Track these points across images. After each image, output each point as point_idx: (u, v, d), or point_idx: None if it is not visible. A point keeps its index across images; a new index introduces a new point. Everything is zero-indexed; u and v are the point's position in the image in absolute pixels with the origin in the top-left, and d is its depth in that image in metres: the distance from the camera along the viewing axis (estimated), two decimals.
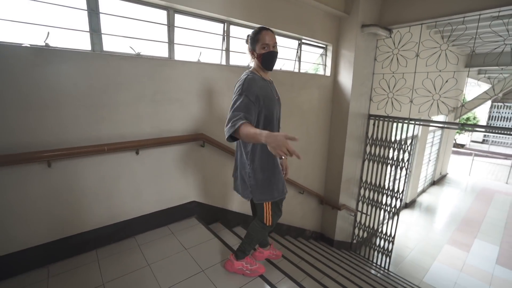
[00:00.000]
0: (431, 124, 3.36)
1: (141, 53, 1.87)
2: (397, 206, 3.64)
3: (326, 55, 3.45)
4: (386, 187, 3.76)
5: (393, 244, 3.76)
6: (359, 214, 4.07)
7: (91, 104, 1.66)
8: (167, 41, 2.02)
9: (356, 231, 4.16)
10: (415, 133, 5.69)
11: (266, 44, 1.37)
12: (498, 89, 5.72)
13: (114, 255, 1.81)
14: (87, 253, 1.80)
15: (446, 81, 2.91)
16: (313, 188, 3.62)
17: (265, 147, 1.23)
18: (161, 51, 2.03)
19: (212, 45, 2.32)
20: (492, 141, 14.60)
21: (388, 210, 3.74)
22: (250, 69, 1.49)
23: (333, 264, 3.00)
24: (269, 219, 1.54)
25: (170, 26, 2.00)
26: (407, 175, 3.66)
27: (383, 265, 3.92)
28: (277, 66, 2.74)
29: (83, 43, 1.68)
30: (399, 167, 3.57)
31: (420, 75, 3.17)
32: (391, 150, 3.59)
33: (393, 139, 3.57)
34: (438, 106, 2.99)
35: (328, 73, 3.46)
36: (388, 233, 3.81)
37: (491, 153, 12.27)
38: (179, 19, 2.05)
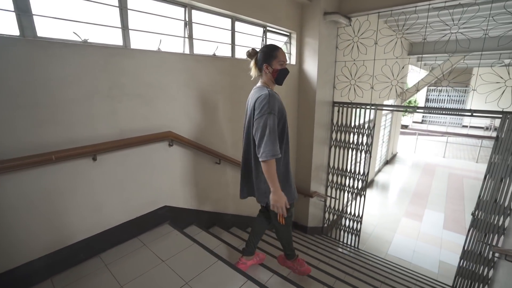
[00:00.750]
0: (394, 108, 3.57)
1: (88, 40, 1.57)
2: (363, 188, 3.84)
3: (290, 43, 3.40)
4: (352, 170, 3.94)
5: (361, 224, 3.99)
6: (328, 199, 4.22)
7: (27, 104, 1.33)
8: (120, 26, 1.73)
9: (327, 215, 4.32)
10: (371, 118, 6.09)
11: (283, 61, 1.48)
12: (436, 74, 6.38)
13: (74, 282, 1.53)
14: (40, 284, 1.50)
15: (403, 67, 3.08)
16: None
17: (284, 159, 1.54)
18: (114, 38, 1.73)
19: (173, 32, 2.08)
20: (430, 121, 16.51)
21: (355, 192, 3.93)
22: (261, 84, 1.54)
23: (311, 251, 3.06)
24: (282, 220, 1.56)
25: (123, 8, 1.71)
26: (370, 158, 3.86)
27: (353, 244, 4.15)
28: (243, 54, 2.60)
29: (9, 26, 1.33)
30: (363, 151, 3.75)
31: (379, 62, 3.31)
32: (355, 135, 3.75)
33: (356, 124, 3.72)
34: (396, 91, 3.16)
35: (293, 61, 3.42)
36: (356, 214, 4.02)
37: (431, 131, 13.85)
38: (134, 1, 1.76)
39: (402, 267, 3.75)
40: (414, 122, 16.72)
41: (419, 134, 10.90)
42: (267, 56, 1.47)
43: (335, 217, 4.24)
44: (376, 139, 6.74)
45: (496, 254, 2.94)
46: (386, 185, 7.19)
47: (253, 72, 1.56)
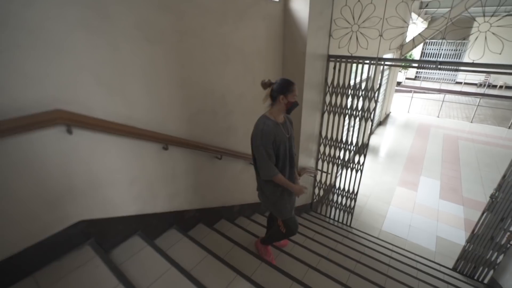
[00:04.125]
0: (409, 64, 2.78)
1: None
2: (361, 162, 3.24)
3: None
4: (349, 141, 3.29)
5: (355, 201, 3.49)
6: (319, 173, 3.64)
7: None
8: None
9: (316, 190, 3.79)
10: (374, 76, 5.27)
11: (296, 95, 1.63)
12: (436, 26, 5.44)
13: None
14: None
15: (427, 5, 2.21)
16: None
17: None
18: None
19: None
20: (424, 77, 15.75)
21: (351, 167, 3.34)
22: (268, 113, 1.67)
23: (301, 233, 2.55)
24: (283, 229, 1.87)
25: None
26: (372, 127, 3.19)
27: (346, 221, 3.71)
28: None
29: None
30: (363, 118, 3.05)
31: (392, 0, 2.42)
32: (355, 98, 3.00)
33: (356, 84, 2.95)
34: (413, 40, 2.34)
35: None
36: (350, 191, 3.49)
37: (427, 89, 13.20)
38: None
39: (398, 248, 3.37)
40: (407, 78, 15.94)
41: (415, 92, 10.23)
42: (285, 89, 1.59)
43: (327, 193, 3.72)
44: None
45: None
46: (379, 149, 6.71)
47: (264, 100, 1.67)
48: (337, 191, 3.64)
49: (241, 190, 2.75)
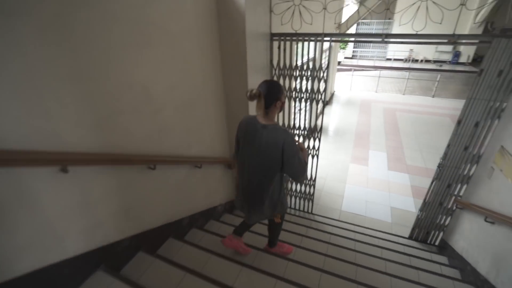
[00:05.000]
0: (357, 39, 2.61)
1: None
2: (316, 147, 3.08)
3: None
4: (302, 127, 3.09)
5: (314, 187, 3.37)
6: None
7: None
8: None
9: None
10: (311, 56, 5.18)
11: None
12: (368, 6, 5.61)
13: None
14: None
15: None
16: (214, 154, 2.56)
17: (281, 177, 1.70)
18: None
19: None
20: (359, 55, 16.81)
21: (308, 153, 3.17)
22: (271, 121, 1.56)
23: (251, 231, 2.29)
24: (279, 219, 1.90)
25: None
26: (323, 108, 3.04)
27: (306, 209, 3.59)
28: None
29: None
30: (314, 100, 2.86)
31: None
32: (304, 79, 2.78)
33: (303, 65, 2.73)
34: (358, 12, 2.16)
35: None
36: (308, 177, 3.35)
37: (365, 67, 14.07)
38: None
39: (360, 227, 3.38)
40: (345, 57, 16.83)
41: (355, 70, 10.75)
42: (278, 92, 1.52)
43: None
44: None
45: (458, 206, 2.62)
46: (328, 129, 6.85)
47: (260, 111, 1.53)
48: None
49: (189, 199, 2.34)
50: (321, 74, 2.68)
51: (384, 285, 1.99)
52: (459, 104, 8.36)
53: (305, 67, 2.72)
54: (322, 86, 2.73)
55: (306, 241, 2.55)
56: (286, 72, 2.79)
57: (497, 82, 2.11)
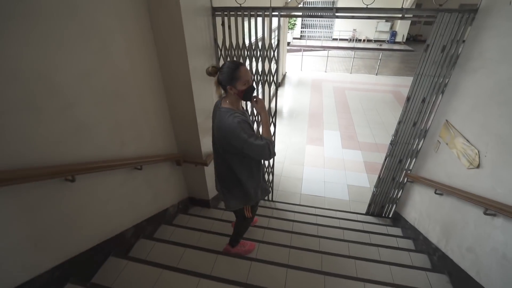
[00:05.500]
0: (310, 13, 2.41)
1: None
2: (272, 132, 2.91)
3: None
4: (256, 112, 2.87)
5: (273, 174, 3.24)
6: None
7: None
8: None
9: None
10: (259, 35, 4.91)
11: (247, 80, 1.42)
12: None
13: None
14: None
15: None
16: (157, 151, 2.21)
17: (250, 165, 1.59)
18: None
19: None
20: (308, 36, 17.04)
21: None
22: (228, 105, 1.48)
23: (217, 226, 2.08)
24: (249, 213, 1.77)
25: None
26: (276, 91, 2.85)
27: (266, 198, 3.47)
28: None
29: None
30: (267, 83, 2.64)
31: None
32: (253, 60, 2.53)
33: (251, 44, 2.46)
34: None
35: None
36: (266, 164, 3.20)
37: (313, 47, 14.27)
38: None
39: (319, 209, 3.39)
40: (294, 38, 16.92)
41: (304, 51, 10.82)
42: (230, 78, 1.41)
43: None
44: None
45: (409, 179, 2.74)
46: (283, 111, 6.80)
47: (217, 91, 1.51)
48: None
49: (131, 207, 1.98)
50: (272, 54, 2.45)
51: (349, 270, 1.96)
52: (399, 80, 9.09)
53: (253, 46, 2.46)
54: (273, 67, 2.51)
55: (269, 234, 2.42)
56: (233, 52, 2.49)
57: (440, 58, 2.14)
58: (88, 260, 1.62)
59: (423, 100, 2.34)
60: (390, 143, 2.69)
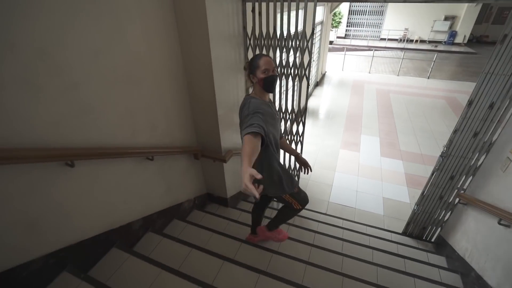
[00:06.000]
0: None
1: None
2: (301, 132, 2.65)
3: None
4: (283, 109, 2.64)
5: (298, 178, 2.97)
6: None
7: None
8: None
9: None
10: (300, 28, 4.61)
11: (266, 69, 1.43)
12: None
13: None
14: None
15: None
16: (172, 142, 2.09)
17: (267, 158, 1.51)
18: None
19: None
20: (353, 35, 16.11)
21: (290, 139, 2.73)
22: (249, 95, 1.54)
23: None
24: (296, 204, 1.71)
25: None
26: (308, 86, 2.57)
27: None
28: None
29: None
30: (298, 77, 2.38)
31: None
32: (283, 52, 2.29)
33: (283, 33, 2.22)
34: None
35: None
36: (292, 167, 2.95)
37: (358, 46, 13.45)
38: None
39: (347, 221, 3.03)
40: (338, 37, 16.12)
41: (347, 50, 10.17)
42: (251, 66, 1.49)
43: None
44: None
45: (462, 201, 2.27)
46: (319, 112, 6.41)
47: (247, 84, 1.75)
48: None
49: (140, 198, 1.89)
50: (305, 44, 2.19)
51: None
52: (455, 85, 8.05)
53: (285, 36, 2.22)
54: (306, 59, 2.25)
55: (285, 244, 2.17)
56: (263, 42, 2.28)
57: None
58: (89, 250, 1.55)
59: (491, 106, 1.88)
60: (441, 155, 2.25)
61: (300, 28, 2.21)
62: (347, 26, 16.08)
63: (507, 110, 1.86)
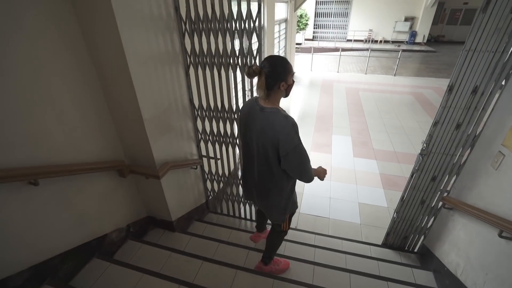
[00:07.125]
0: None
1: None
2: None
3: None
4: (234, 108, 2.17)
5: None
6: (205, 160, 2.48)
7: None
8: None
9: (209, 185, 2.66)
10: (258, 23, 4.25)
11: (294, 72, 1.36)
12: None
13: None
14: None
15: None
16: (77, 156, 1.54)
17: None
18: None
19: None
20: (320, 37, 16.28)
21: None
22: (271, 105, 1.34)
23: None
24: (287, 226, 1.68)
25: None
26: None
27: (249, 216, 2.74)
28: None
29: None
30: (245, 67, 1.93)
31: None
32: (230, 36, 1.84)
33: (224, 13, 1.77)
34: None
35: None
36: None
37: (325, 48, 13.51)
38: None
39: (320, 236, 2.62)
40: (306, 39, 16.20)
41: (316, 51, 10.06)
42: (284, 72, 1.26)
43: (226, 186, 2.63)
44: (271, 53, 5.12)
45: (447, 205, 1.94)
46: (289, 113, 6.04)
47: (261, 92, 1.31)
48: (239, 181, 2.59)
49: (24, 240, 1.31)
50: (252, 25, 1.75)
51: None
52: (421, 81, 8.13)
53: (232, 17, 1.77)
54: (254, 44, 1.81)
55: (241, 274, 1.69)
56: (201, 25, 1.82)
57: (508, 23, 1.37)
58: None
59: (474, 90, 1.56)
60: (420, 153, 1.91)
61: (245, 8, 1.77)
62: (314, 28, 16.23)
63: (493, 95, 1.55)
